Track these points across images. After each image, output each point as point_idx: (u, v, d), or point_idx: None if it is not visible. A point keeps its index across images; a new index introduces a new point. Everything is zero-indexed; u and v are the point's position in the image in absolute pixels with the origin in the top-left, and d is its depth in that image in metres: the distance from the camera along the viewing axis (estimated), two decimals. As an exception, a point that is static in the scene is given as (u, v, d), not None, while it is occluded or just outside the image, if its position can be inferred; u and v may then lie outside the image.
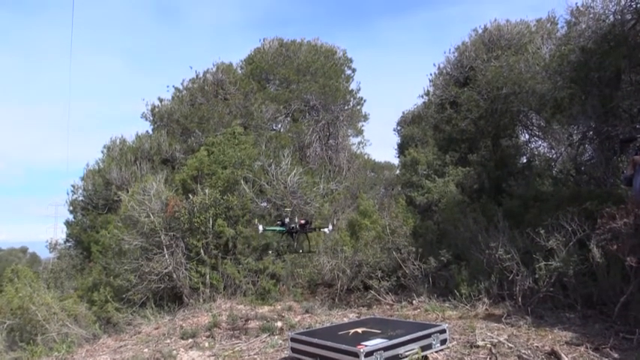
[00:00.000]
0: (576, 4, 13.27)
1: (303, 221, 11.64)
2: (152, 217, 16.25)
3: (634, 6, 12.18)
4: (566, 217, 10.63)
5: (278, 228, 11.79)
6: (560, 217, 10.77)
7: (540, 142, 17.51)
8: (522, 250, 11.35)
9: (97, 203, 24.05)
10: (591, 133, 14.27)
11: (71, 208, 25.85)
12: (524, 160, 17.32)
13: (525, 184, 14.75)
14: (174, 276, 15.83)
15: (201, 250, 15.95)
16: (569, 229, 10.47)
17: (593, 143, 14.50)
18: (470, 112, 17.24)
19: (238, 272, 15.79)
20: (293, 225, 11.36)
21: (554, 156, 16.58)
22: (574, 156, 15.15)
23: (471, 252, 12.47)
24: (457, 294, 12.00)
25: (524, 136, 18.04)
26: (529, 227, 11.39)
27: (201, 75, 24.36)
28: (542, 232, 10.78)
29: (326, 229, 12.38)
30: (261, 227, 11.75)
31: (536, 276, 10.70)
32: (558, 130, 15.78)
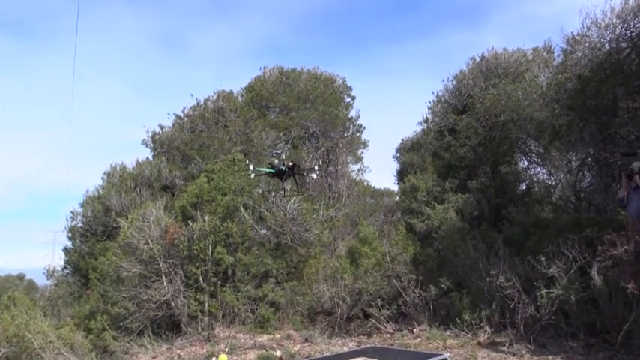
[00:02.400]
0: (572, 33, 13.48)
1: (291, 163, 11.81)
2: (151, 244, 16.19)
3: (629, 35, 12.38)
4: (567, 244, 10.62)
5: (268, 170, 11.96)
6: (560, 244, 10.75)
7: (539, 169, 17.58)
8: (523, 278, 11.30)
9: (96, 230, 23.94)
10: (590, 159, 14.35)
11: (70, 234, 25.72)
12: (524, 187, 17.36)
13: (525, 211, 14.75)
14: (173, 304, 15.69)
15: (200, 278, 15.85)
16: (570, 256, 10.44)
17: (592, 170, 14.56)
18: (469, 139, 17.35)
19: (237, 300, 15.67)
20: (282, 167, 11.53)
21: (554, 183, 16.62)
22: (573, 183, 15.19)
23: (472, 279, 12.41)
24: (458, 322, 11.89)
25: (523, 163, 18.12)
26: (530, 254, 11.36)
27: (201, 102, 24.54)
28: (542, 259, 10.75)
29: (313, 175, 12.62)
30: (252, 167, 11.94)
31: (538, 304, 10.62)
32: (557, 156, 15.86)
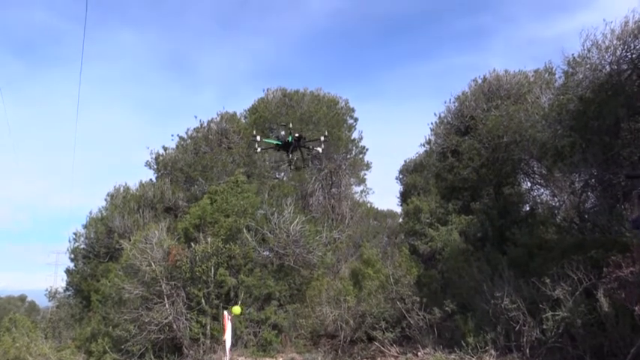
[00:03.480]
0: (573, 54, 13.58)
1: (297, 135, 11.76)
2: (153, 266, 16.13)
3: (629, 56, 12.47)
4: (572, 265, 10.53)
5: (275, 141, 11.93)
6: (565, 266, 10.66)
7: (543, 190, 17.53)
8: (528, 300, 11.18)
9: (98, 251, 23.91)
10: (593, 180, 14.31)
11: (72, 255, 25.70)
12: (527, 208, 17.29)
13: (529, 233, 14.66)
14: (175, 326, 15.56)
15: (203, 300, 15.75)
16: (575, 278, 10.35)
17: (596, 191, 14.52)
18: (471, 160, 17.37)
19: (240, 322, 15.53)
20: (288, 138, 11.51)
21: (557, 204, 16.56)
22: (577, 204, 15.13)
23: (476, 302, 12.28)
24: (463, 345, 11.73)
25: (527, 184, 18.09)
26: (534, 276, 11.26)
27: (205, 124, 24.71)
28: (547, 281, 10.65)
29: (319, 148, 12.55)
30: (259, 137, 11.92)
31: (544, 326, 10.49)
32: (560, 177, 15.83)
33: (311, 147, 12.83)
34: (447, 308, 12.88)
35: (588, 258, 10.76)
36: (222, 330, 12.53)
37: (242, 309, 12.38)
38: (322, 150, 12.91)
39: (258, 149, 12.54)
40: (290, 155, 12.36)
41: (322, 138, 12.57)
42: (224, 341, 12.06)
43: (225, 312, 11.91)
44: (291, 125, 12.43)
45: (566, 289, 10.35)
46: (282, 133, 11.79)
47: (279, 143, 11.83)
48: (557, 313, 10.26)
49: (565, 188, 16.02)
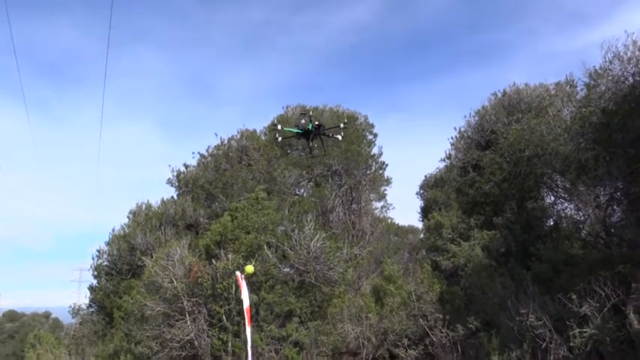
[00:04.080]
0: (594, 67, 13.42)
1: (317, 123, 11.76)
2: (175, 283, 16.24)
3: (653, 68, 12.27)
4: (599, 281, 10.31)
5: (295, 130, 11.95)
6: (592, 282, 10.44)
7: (567, 204, 17.23)
8: (554, 317, 10.96)
9: (121, 268, 24.16)
10: (619, 194, 14.04)
11: (95, 272, 26.00)
12: (552, 223, 17.01)
13: (554, 248, 14.40)
14: (196, 343, 15.58)
15: (224, 317, 15.77)
16: (603, 294, 10.12)
17: (622, 204, 14.23)
18: (493, 174, 17.19)
19: (261, 340, 15.49)
20: (309, 126, 11.53)
21: (582, 218, 16.26)
22: (602, 218, 14.83)
23: (501, 319, 12.07)
24: (488, 363, 11.52)
25: (550, 198, 17.80)
26: (560, 292, 11.04)
27: (225, 142, 24.95)
28: (574, 297, 10.44)
29: (338, 136, 12.52)
30: (280, 126, 11.99)
31: (571, 344, 10.25)
32: (584, 191, 15.55)
33: (331, 134, 12.82)
34: (470, 325, 12.69)
35: (616, 273, 10.52)
36: (239, 290, 12.40)
37: (255, 268, 12.22)
38: (342, 137, 12.92)
39: (279, 138, 12.65)
40: (310, 143, 12.40)
41: (342, 125, 12.52)
42: (241, 300, 11.88)
43: (238, 272, 11.76)
44: (311, 113, 12.51)
45: (594, 305, 10.12)
46: (303, 121, 11.86)
47: (300, 132, 11.91)
48: (584, 330, 10.03)
49: (590, 202, 15.72)
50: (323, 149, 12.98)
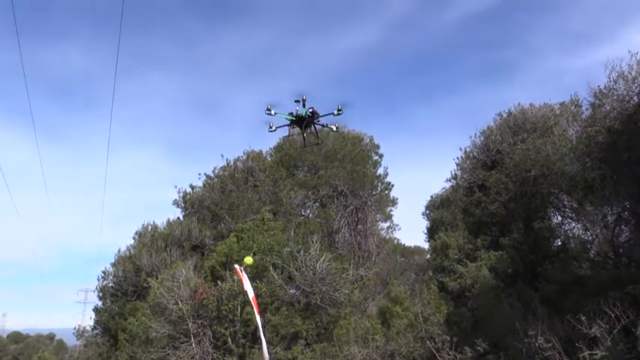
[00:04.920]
0: (599, 86, 13.46)
1: (311, 109, 11.44)
2: (180, 305, 16.16)
3: (658, 87, 12.29)
4: (608, 302, 10.17)
5: (289, 117, 11.60)
6: (601, 303, 10.30)
7: (574, 224, 17.11)
8: (564, 339, 10.80)
9: (126, 290, 24.09)
10: (627, 213, 13.94)
11: (101, 294, 25.93)
12: (559, 243, 16.88)
13: (562, 268, 14.27)
14: (201, 366, 15.43)
15: (229, 339, 15.64)
16: (613, 315, 9.98)
17: (630, 224, 14.12)
18: (499, 195, 17.14)
19: (266, 362, 15.33)
20: (301, 113, 11.23)
21: (590, 238, 16.13)
22: (611, 237, 14.71)
23: (509, 340, 11.90)
24: (497, 386, 11.33)
25: (557, 218, 17.70)
26: (569, 313, 10.89)
27: (231, 163, 25.07)
28: (583, 318, 10.29)
29: (333, 126, 12.12)
30: (273, 111, 11.57)
31: (581, 367, 10.07)
32: (592, 211, 15.45)
33: (325, 124, 12.44)
34: (478, 347, 12.51)
35: (625, 294, 10.39)
36: (240, 283, 12.17)
37: (254, 258, 11.99)
38: (336, 128, 12.53)
39: (274, 127, 12.19)
40: (304, 131, 12.00)
41: (335, 112, 12.02)
42: (245, 292, 11.65)
43: (236, 265, 11.54)
44: (304, 97, 12.00)
45: (604, 327, 9.96)
46: (297, 108, 11.60)
47: (294, 119, 11.64)
48: (594, 352, 9.86)
49: (597, 222, 15.62)
50: (317, 138, 12.60)
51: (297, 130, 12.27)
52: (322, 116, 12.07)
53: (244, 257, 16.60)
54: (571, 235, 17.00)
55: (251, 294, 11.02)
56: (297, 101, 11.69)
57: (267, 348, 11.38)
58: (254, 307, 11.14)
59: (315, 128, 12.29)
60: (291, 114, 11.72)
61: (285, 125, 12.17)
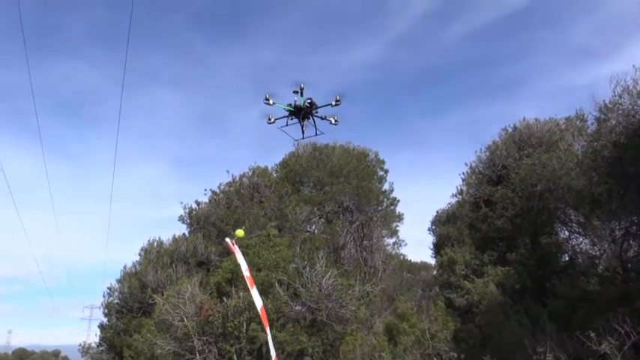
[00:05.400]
0: (604, 101, 13.47)
1: (309, 100, 11.24)
2: (186, 321, 16.09)
3: (663, 101, 12.28)
4: (618, 318, 10.06)
5: (287, 107, 11.38)
6: (611, 319, 10.20)
7: (581, 239, 16.99)
8: (573, 356, 10.67)
9: (131, 306, 24.04)
10: (634, 228, 13.84)
11: (106, 310, 25.90)
12: (567, 258, 16.75)
13: (570, 284, 14.14)
14: (206, 383, 15.32)
15: (235, 356, 15.53)
16: (622, 331, 9.86)
17: (638, 239, 14.01)
18: (505, 210, 17.08)
19: (272, 380, 15.19)
20: (299, 104, 11.05)
21: (598, 253, 15.99)
22: (619, 252, 14.59)
23: (517, 357, 11.77)
24: (505, 404, 11.18)
25: (564, 233, 17.59)
26: (578, 330, 10.78)
27: (237, 178, 25.14)
28: (592, 335, 10.17)
29: (332, 119, 11.85)
30: (272, 101, 11.35)
31: (591, 384, 9.93)
32: (599, 226, 15.35)
33: (324, 116, 12.20)
34: (486, 365, 12.37)
35: (635, 310, 10.28)
36: (233, 255, 11.96)
37: (245, 231, 11.81)
38: (336, 121, 12.26)
39: (273, 119, 11.94)
40: (302, 123, 11.74)
41: (333, 102, 11.74)
42: (239, 265, 11.46)
43: (227, 239, 11.36)
44: (302, 85, 11.76)
45: (613, 343, 9.84)
46: (295, 98, 11.43)
47: (292, 109, 11.47)
48: (605, 369, 9.73)
49: (605, 237, 15.49)
50: (315, 129, 12.32)
51: (295, 121, 12.01)
52: (320, 107, 11.88)
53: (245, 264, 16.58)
54: (578, 250, 16.87)
55: (244, 267, 10.84)
56: (295, 92, 11.55)
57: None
58: (248, 282, 10.95)
59: (313, 120, 12.09)
60: (289, 105, 11.58)
61: (283, 117, 11.97)
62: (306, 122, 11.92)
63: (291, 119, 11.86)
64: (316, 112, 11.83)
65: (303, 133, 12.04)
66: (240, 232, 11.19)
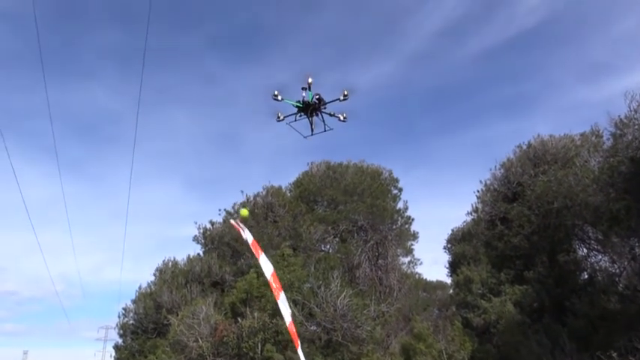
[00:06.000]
0: (619, 116, 13.36)
1: (317, 95, 11.08)
2: (200, 342, 16.04)
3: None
4: (640, 337, 9.83)
5: (295, 103, 11.25)
6: (632, 338, 9.97)
7: (600, 257, 16.69)
8: (595, 376, 10.42)
9: (146, 327, 24.04)
10: (655, 245, 13.59)
11: (121, 331, 25.93)
12: (586, 276, 16.46)
13: (589, 302, 13.87)
14: (221, 405, 15.20)
15: (249, 377, 15.41)
16: (645, 351, 9.62)
17: (659, 256, 13.73)
18: (522, 227, 16.89)
19: (287, 402, 15.04)
20: (307, 100, 10.90)
21: (618, 270, 15.69)
22: (639, 270, 14.30)
23: (538, 378, 11.53)
24: None
25: (583, 251, 17.31)
26: (599, 349, 10.55)
27: (251, 198, 25.24)
28: (614, 354, 9.95)
29: (340, 116, 11.63)
30: (280, 97, 11.22)
31: (614, 405, 9.67)
32: (618, 243, 15.09)
33: (333, 113, 12.06)
34: (505, 385, 12.12)
35: (657, 329, 10.03)
36: (239, 234, 11.74)
37: (248, 211, 11.67)
38: (344, 118, 12.10)
39: (282, 117, 11.85)
40: (311, 120, 11.63)
41: (342, 97, 11.58)
42: (245, 241, 11.26)
43: (232, 221, 11.20)
44: (310, 80, 11.63)
45: (636, 363, 9.60)
46: (304, 94, 11.37)
47: (300, 105, 11.41)
48: (628, 390, 9.48)
49: (624, 254, 15.22)
50: (324, 125, 12.18)
51: (304, 117, 11.93)
52: (329, 102, 11.83)
53: (264, 290, 16.54)
54: (598, 267, 16.57)
55: (250, 239, 10.64)
56: (303, 88, 11.53)
57: None
58: (254, 250, 10.66)
59: (322, 116, 12.05)
60: (298, 101, 11.57)
61: (292, 114, 11.94)
62: (314, 119, 11.87)
63: (300, 116, 11.83)
64: (324, 108, 11.77)
65: (312, 130, 11.96)
66: (244, 212, 11.14)
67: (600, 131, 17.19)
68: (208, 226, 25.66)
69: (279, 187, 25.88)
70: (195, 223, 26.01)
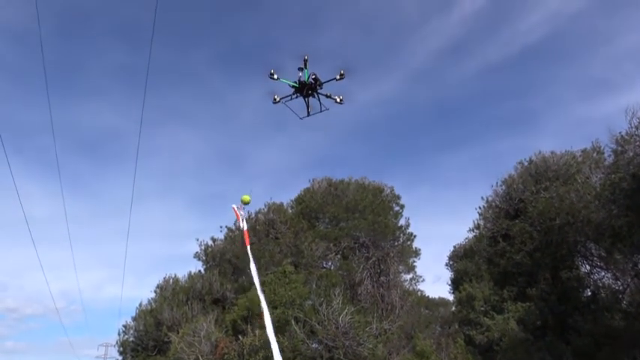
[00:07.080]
0: (620, 133, 13.41)
1: (313, 75, 10.93)
2: (201, 360, 15.92)
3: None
4: (645, 355, 9.74)
5: (292, 82, 11.10)
6: (637, 356, 9.88)
7: (603, 273, 16.62)
8: (599, 394, 10.31)
9: (147, 344, 23.87)
10: (658, 262, 13.54)
11: (121, 349, 25.76)
12: (589, 293, 16.36)
13: (593, 320, 13.78)
14: None
15: (250, 396, 15.26)
16: (650, 369, 9.53)
17: (663, 273, 13.67)
18: (524, 244, 16.85)
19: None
20: (303, 80, 10.77)
21: (621, 287, 15.61)
22: (643, 287, 14.23)
23: (542, 397, 11.40)
24: None
25: (585, 268, 17.24)
26: (604, 368, 10.44)
27: (253, 215, 25.23)
28: (619, 373, 9.85)
29: (337, 97, 11.45)
30: (276, 76, 11.08)
31: None
32: (621, 259, 15.03)
33: (329, 94, 11.94)
34: (509, 404, 11.98)
35: (662, 346, 9.95)
36: (237, 220, 11.67)
37: (250, 197, 11.57)
38: (341, 100, 11.97)
39: (278, 98, 11.75)
40: (307, 100, 11.52)
41: (337, 77, 11.44)
42: (242, 229, 11.24)
43: (233, 205, 11.12)
44: (306, 57, 11.53)
45: (641, 381, 9.50)
46: (300, 74, 11.30)
47: (296, 85, 11.32)
48: (633, 409, 9.37)
49: (628, 270, 15.16)
50: (321, 105, 12.04)
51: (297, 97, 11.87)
52: (325, 82, 11.75)
53: (263, 304, 16.40)
54: (601, 284, 16.49)
55: (245, 228, 10.72)
56: (300, 68, 11.47)
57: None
58: (245, 239, 10.77)
59: (318, 97, 11.97)
60: (294, 82, 11.53)
61: (288, 96, 11.87)
62: (310, 100, 11.81)
63: (296, 96, 11.79)
64: (321, 88, 11.70)
65: (308, 111, 11.89)
66: (246, 198, 11.12)
67: (601, 148, 17.23)
68: (210, 242, 25.62)
69: (281, 204, 25.88)
70: (197, 239, 25.96)
